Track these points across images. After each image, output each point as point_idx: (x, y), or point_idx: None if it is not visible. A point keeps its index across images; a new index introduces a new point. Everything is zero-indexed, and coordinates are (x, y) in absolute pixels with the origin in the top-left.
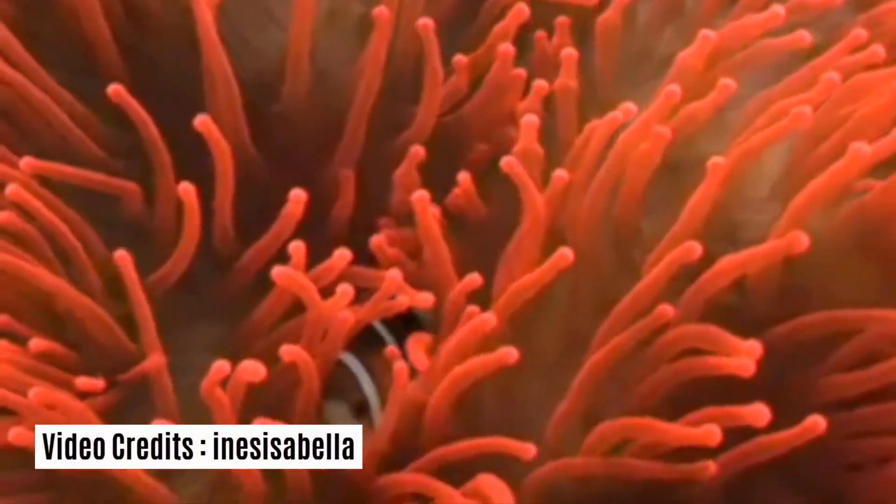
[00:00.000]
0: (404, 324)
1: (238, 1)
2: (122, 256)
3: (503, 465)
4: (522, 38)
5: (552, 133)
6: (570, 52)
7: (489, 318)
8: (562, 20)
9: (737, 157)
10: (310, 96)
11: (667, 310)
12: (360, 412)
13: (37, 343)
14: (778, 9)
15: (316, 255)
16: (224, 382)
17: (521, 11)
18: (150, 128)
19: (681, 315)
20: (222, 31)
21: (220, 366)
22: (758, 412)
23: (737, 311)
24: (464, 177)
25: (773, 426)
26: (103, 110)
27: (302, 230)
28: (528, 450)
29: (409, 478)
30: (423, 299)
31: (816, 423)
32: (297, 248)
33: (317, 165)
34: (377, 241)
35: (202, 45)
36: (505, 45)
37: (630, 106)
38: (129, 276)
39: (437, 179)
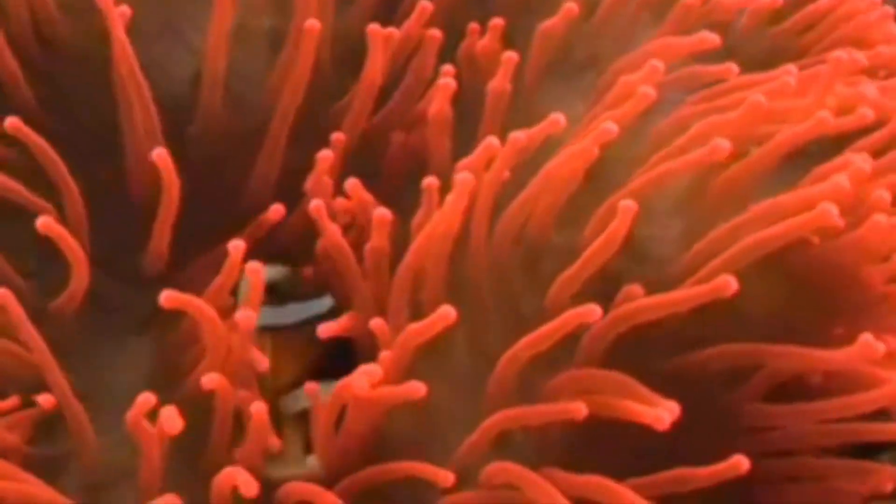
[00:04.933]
0: None
1: (148, 24)
2: (4, 295)
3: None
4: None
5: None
6: (510, 56)
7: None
8: (496, 22)
9: (646, 183)
10: (224, 115)
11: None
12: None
13: None
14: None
15: None
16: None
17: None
18: (51, 157)
19: (588, 350)
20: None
21: (145, 399)
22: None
23: (648, 331)
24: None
25: (696, 451)
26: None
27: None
28: (447, 477)
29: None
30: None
31: (739, 462)
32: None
33: (237, 181)
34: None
35: (118, 70)
36: (432, 30)
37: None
38: (16, 315)
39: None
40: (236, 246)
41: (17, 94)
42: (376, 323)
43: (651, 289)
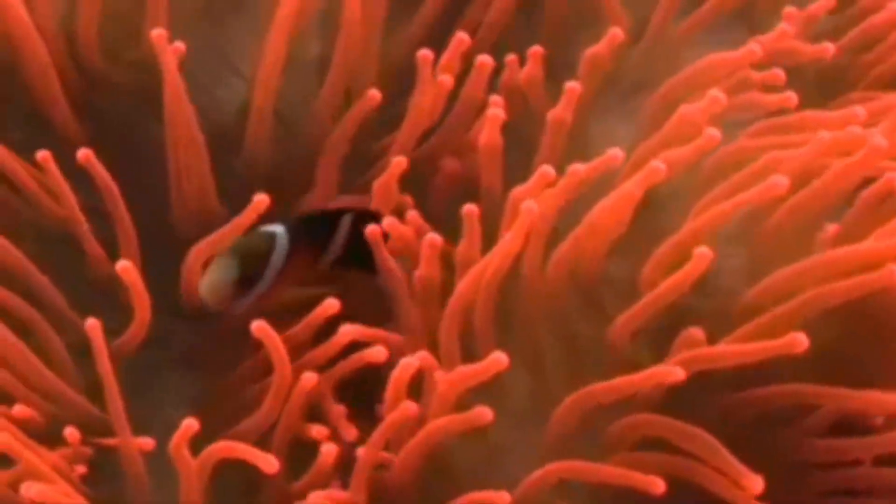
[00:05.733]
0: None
1: (198, 54)
2: (93, 327)
3: None
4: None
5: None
6: (573, 86)
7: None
8: (535, 50)
9: (707, 223)
10: (272, 144)
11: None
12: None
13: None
14: (755, 47)
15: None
16: (193, 440)
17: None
18: (114, 193)
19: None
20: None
21: (189, 424)
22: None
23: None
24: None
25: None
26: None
27: None
28: (503, 497)
29: None
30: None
31: None
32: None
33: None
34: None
35: (166, 102)
36: (483, 57)
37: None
38: (98, 346)
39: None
40: (331, 304)
41: (67, 132)
42: (424, 357)
43: (714, 323)
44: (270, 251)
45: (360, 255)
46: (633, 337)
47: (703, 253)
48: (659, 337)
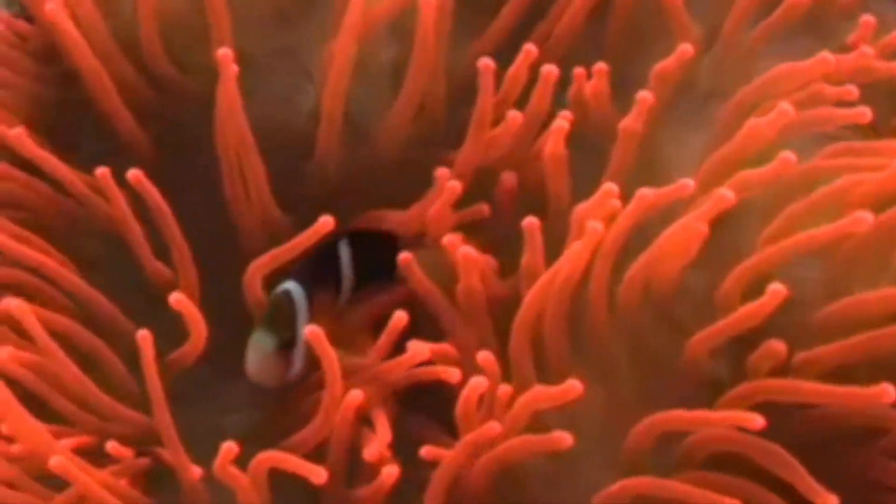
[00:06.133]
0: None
1: (270, 58)
2: (144, 338)
3: None
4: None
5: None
6: (645, 95)
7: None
8: (600, 67)
9: (784, 251)
10: (342, 150)
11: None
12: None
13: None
14: (828, 55)
15: None
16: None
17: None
18: (165, 213)
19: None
20: (254, 88)
21: (228, 447)
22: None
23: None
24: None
25: None
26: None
27: None
28: None
29: None
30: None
31: None
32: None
33: (351, 216)
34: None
35: (218, 109)
36: (548, 66)
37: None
38: (148, 360)
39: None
40: (400, 317)
41: (133, 139)
42: (485, 357)
43: (791, 337)
44: (293, 308)
45: (371, 271)
46: (711, 353)
47: (776, 290)
48: (736, 350)
